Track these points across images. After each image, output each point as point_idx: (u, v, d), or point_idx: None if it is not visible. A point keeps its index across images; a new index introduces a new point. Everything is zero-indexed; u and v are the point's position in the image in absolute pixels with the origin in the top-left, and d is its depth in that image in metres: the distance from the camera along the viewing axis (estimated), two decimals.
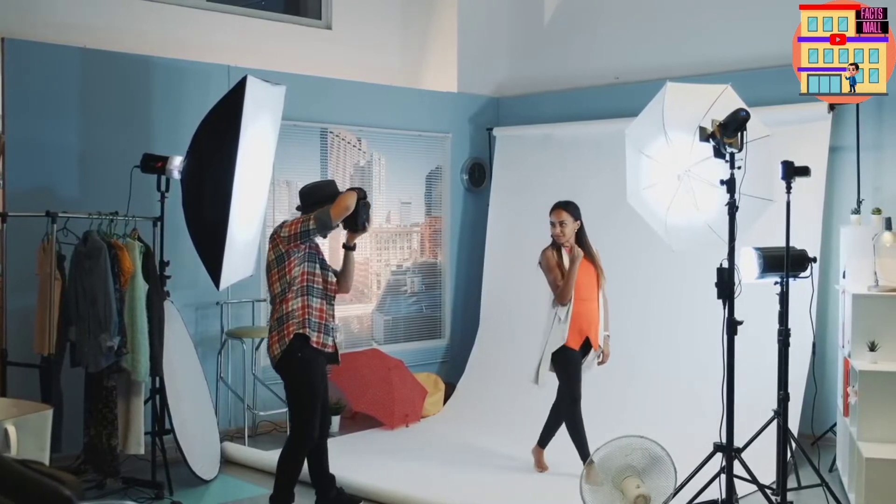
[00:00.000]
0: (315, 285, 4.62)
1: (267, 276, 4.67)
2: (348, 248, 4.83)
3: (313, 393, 4.62)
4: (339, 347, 4.83)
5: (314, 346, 4.58)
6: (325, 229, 4.60)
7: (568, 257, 5.36)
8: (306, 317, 4.55)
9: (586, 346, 5.38)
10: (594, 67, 7.66)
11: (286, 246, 4.57)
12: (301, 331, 4.54)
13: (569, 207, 5.42)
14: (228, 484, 5.44)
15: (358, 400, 6.66)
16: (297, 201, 4.87)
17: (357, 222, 4.72)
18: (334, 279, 4.75)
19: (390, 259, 7.55)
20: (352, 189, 4.73)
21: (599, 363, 5.48)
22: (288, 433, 4.90)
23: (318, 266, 4.65)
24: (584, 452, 5.21)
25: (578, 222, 5.43)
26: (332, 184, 4.98)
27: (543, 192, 7.50)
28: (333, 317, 4.74)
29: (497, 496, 5.22)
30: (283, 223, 4.67)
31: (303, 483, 4.93)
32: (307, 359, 4.58)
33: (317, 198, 4.74)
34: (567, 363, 5.33)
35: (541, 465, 5.58)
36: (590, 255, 5.44)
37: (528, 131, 7.76)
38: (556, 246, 5.42)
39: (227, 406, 6.42)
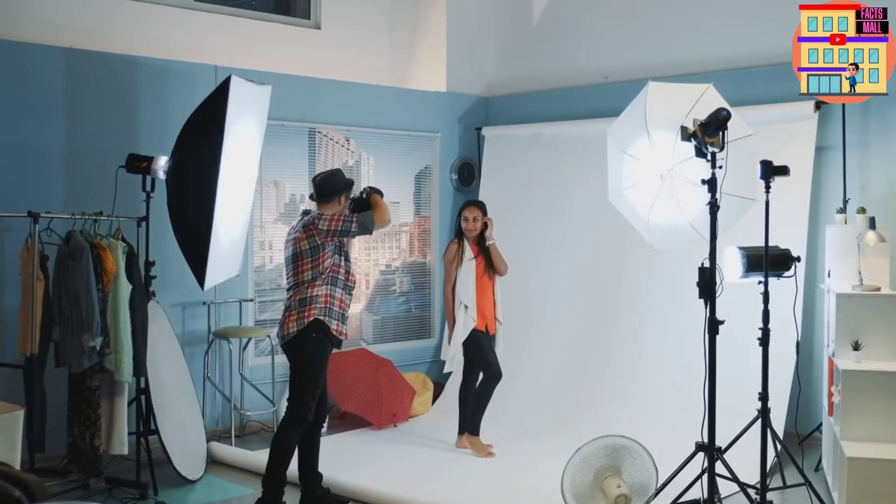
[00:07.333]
0: (339, 276, 4.83)
1: (295, 262, 4.78)
2: None
3: (317, 375, 4.78)
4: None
5: (333, 333, 4.77)
6: (364, 233, 4.88)
7: (471, 250, 5.95)
8: (329, 305, 4.76)
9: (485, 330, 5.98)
10: (583, 67, 7.65)
11: (322, 238, 4.73)
12: (322, 317, 4.73)
13: (481, 205, 6.11)
14: (214, 484, 5.44)
15: (346, 400, 6.65)
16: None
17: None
18: (354, 271, 5.01)
19: (379, 259, 7.55)
20: (376, 191, 4.94)
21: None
22: (284, 413, 4.92)
23: (343, 259, 4.87)
24: (472, 426, 5.94)
25: (486, 217, 6.02)
26: (339, 172, 5.15)
27: (532, 192, 7.53)
28: (349, 307, 4.95)
29: (484, 496, 5.21)
30: (322, 216, 4.79)
31: (290, 482, 4.93)
32: (320, 342, 4.75)
33: (334, 188, 4.92)
34: (481, 346, 5.91)
35: (484, 451, 5.92)
36: (484, 248, 6.00)
37: (517, 131, 7.75)
38: (460, 239, 6.00)
39: (215, 406, 6.41)
